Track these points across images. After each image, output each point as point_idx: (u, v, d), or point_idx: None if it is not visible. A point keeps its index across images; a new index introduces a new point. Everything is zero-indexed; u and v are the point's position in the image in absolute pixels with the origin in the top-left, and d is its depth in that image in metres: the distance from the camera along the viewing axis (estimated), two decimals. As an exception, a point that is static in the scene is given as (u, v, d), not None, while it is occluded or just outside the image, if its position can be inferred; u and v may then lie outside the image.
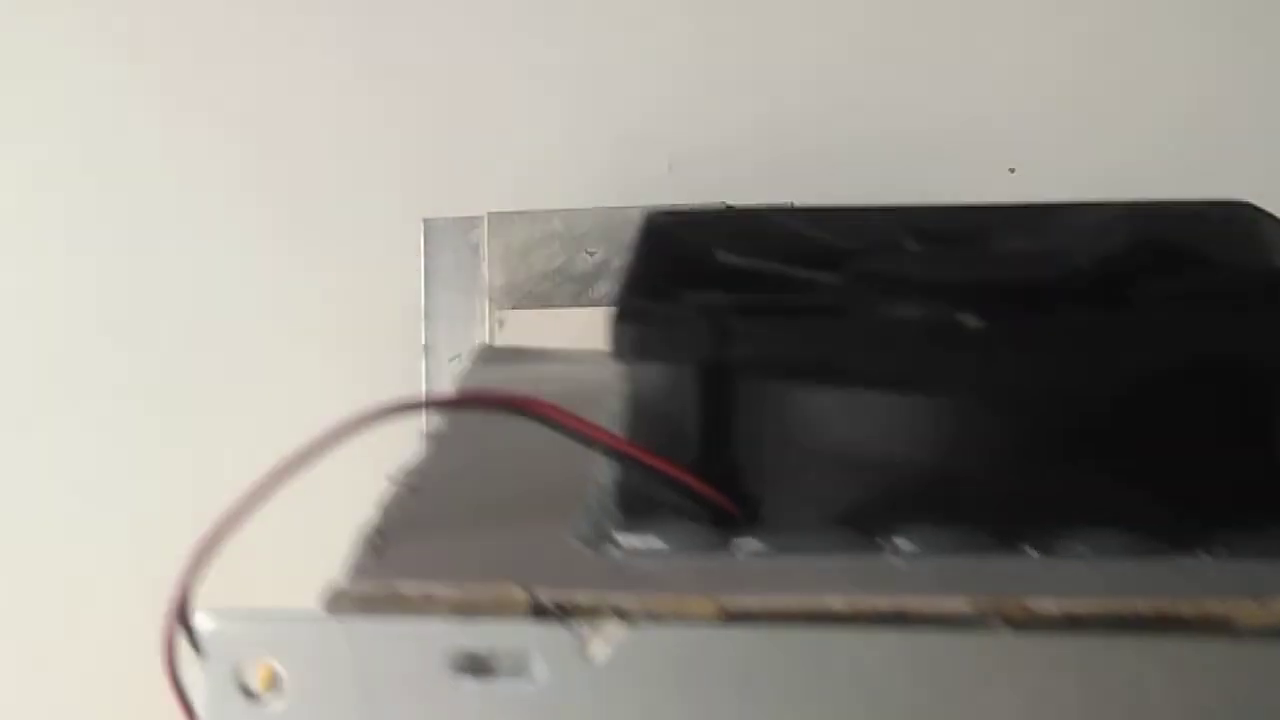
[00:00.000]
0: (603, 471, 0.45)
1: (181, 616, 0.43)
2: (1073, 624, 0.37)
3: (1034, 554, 0.41)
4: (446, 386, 0.65)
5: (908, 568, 0.40)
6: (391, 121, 0.79)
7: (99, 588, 0.75)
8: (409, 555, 0.43)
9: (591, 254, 0.65)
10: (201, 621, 0.41)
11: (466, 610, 0.39)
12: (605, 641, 0.37)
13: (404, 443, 0.72)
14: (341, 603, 0.40)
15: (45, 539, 0.76)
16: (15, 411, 0.77)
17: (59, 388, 0.77)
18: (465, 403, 0.53)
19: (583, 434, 0.43)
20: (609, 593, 0.38)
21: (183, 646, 0.54)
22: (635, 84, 0.80)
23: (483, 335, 0.64)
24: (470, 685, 0.38)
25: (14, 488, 0.77)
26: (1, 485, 0.77)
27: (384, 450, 0.75)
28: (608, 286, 0.65)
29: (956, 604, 0.37)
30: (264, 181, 0.79)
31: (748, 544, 0.42)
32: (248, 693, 0.40)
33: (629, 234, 0.64)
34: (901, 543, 0.41)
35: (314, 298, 0.78)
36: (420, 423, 0.64)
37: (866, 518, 0.42)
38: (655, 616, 0.38)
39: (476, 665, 0.38)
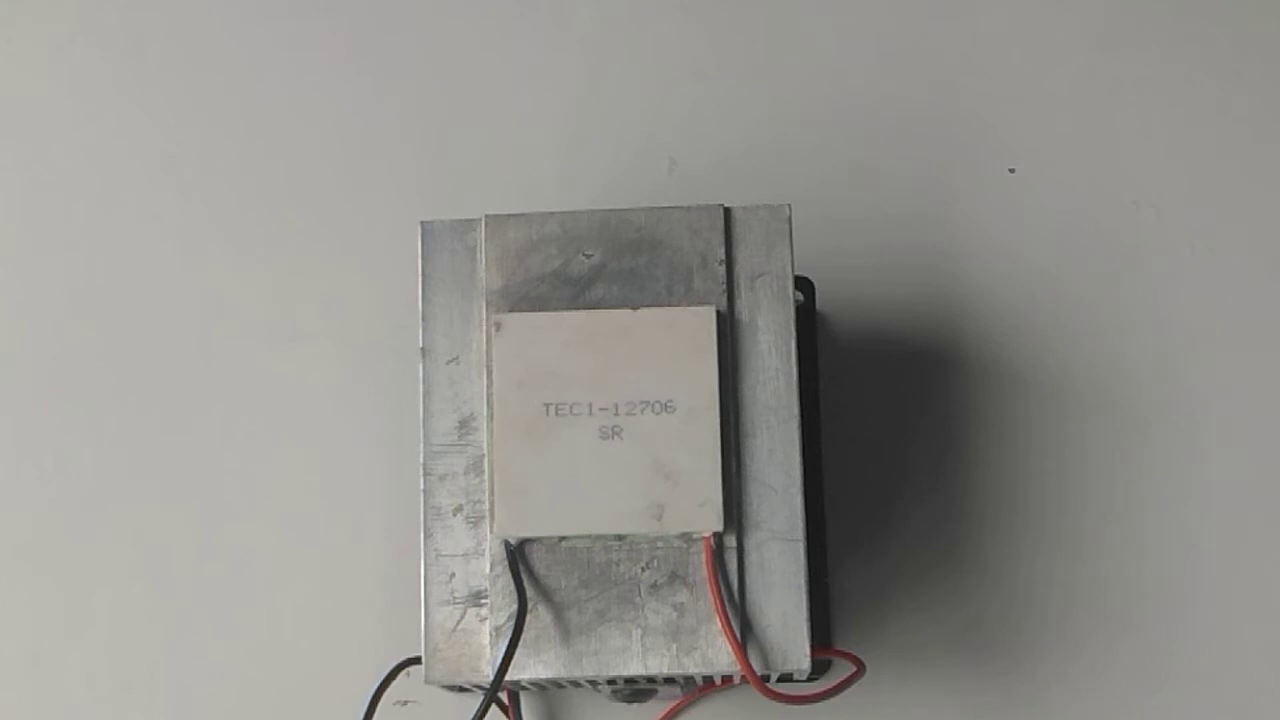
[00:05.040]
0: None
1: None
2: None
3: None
4: (443, 389, 0.64)
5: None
6: (389, 124, 0.80)
7: (99, 589, 0.75)
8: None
9: (589, 256, 0.65)
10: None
11: None
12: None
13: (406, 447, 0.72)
14: None
15: (45, 541, 0.76)
16: (14, 414, 0.77)
17: (58, 390, 0.77)
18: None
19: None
20: None
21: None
22: (635, 85, 0.80)
23: (480, 338, 0.64)
24: None
25: (13, 490, 0.77)
26: (3, 488, 0.77)
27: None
28: (605, 289, 0.64)
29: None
30: (262, 184, 0.79)
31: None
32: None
33: (627, 236, 0.65)
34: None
35: (312, 300, 0.78)
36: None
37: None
38: None
39: None
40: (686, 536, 0.63)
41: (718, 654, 0.62)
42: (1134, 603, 0.74)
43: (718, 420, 0.63)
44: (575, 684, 0.65)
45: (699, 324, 0.63)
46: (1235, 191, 0.78)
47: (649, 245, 0.65)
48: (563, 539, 0.63)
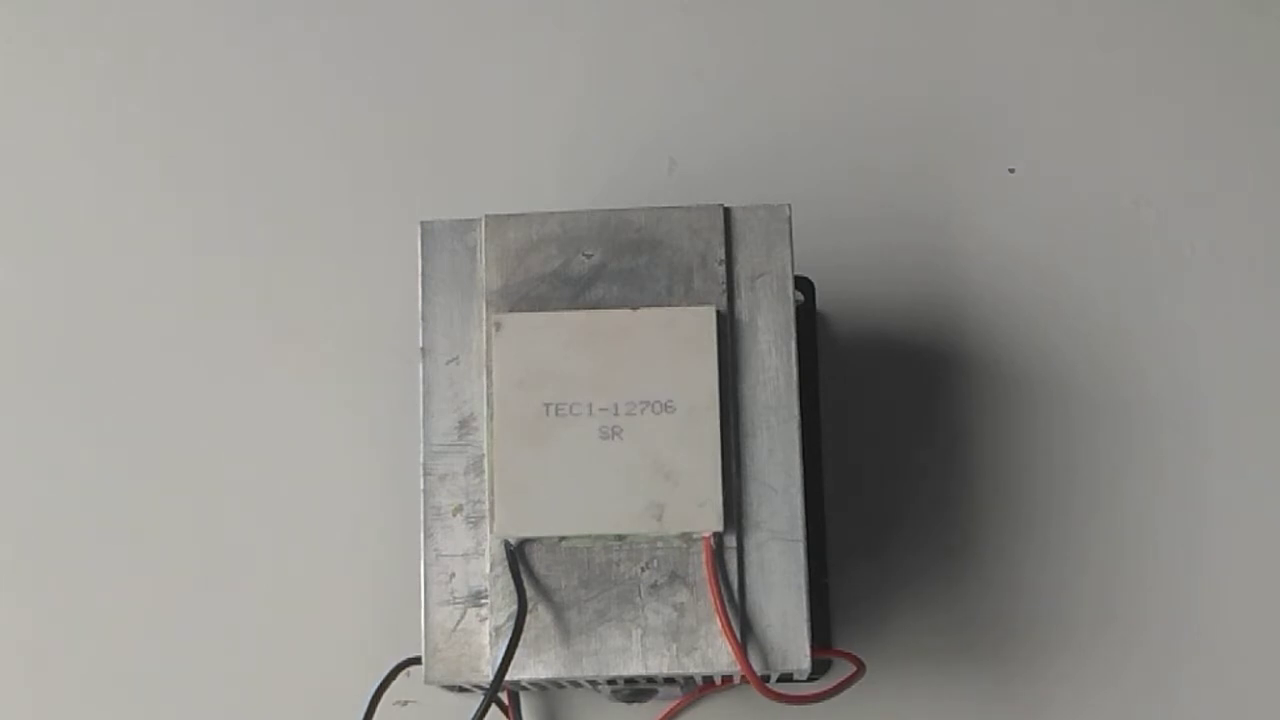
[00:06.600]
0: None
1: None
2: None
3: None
4: (443, 389, 0.64)
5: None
6: (389, 124, 0.80)
7: (99, 589, 0.75)
8: None
9: (589, 256, 0.65)
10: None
11: None
12: None
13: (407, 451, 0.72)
14: None
15: (46, 541, 0.76)
16: (16, 413, 0.77)
17: (58, 389, 0.77)
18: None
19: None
20: None
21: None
22: (635, 85, 0.80)
23: (479, 338, 0.64)
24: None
25: (14, 489, 0.77)
26: (2, 487, 0.77)
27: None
28: (605, 289, 0.64)
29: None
30: (262, 184, 0.79)
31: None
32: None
33: (627, 236, 0.65)
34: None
35: (312, 300, 0.78)
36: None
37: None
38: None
39: None
40: (686, 536, 0.63)
41: (718, 654, 0.62)
42: (1137, 603, 0.74)
43: (718, 420, 0.63)
44: (575, 684, 0.65)
45: (699, 324, 0.63)
46: (1235, 191, 0.78)
47: (649, 245, 0.65)
48: (563, 539, 0.63)
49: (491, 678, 0.61)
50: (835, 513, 0.74)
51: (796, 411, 0.64)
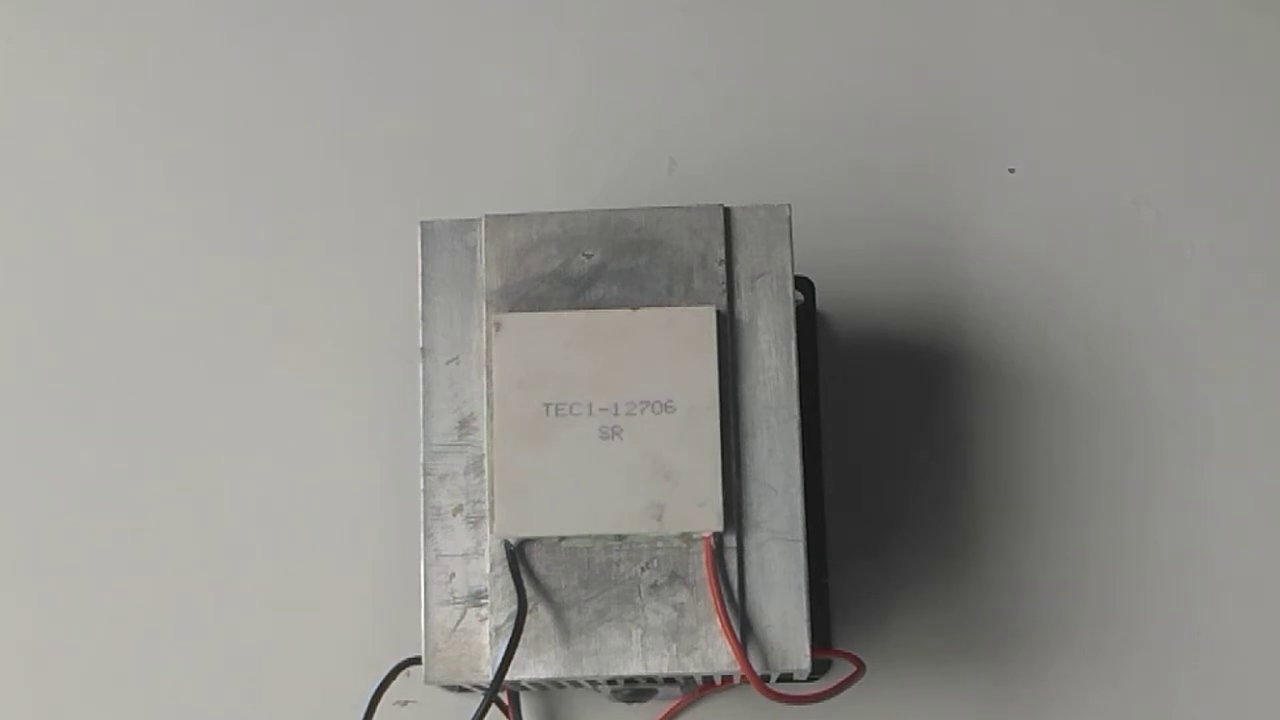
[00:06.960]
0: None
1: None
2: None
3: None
4: (443, 389, 0.64)
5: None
6: (389, 124, 0.80)
7: (99, 589, 0.75)
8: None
9: (589, 256, 0.65)
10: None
11: None
12: None
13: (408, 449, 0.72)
14: None
15: (46, 541, 0.76)
16: (14, 414, 0.77)
17: (58, 390, 0.77)
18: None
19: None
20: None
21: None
22: (635, 85, 0.80)
23: (479, 338, 0.64)
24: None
25: (14, 489, 0.77)
26: (3, 487, 0.77)
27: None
28: (605, 289, 0.64)
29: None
30: (262, 184, 0.79)
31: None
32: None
33: (627, 236, 0.65)
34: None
35: (312, 300, 0.78)
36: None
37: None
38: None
39: None
40: (686, 536, 0.63)
41: (718, 654, 0.62)
42: (1137, 603, 0.74)
43: (718, 420, 0.63)
44: (575, 684, 0.65)
45: (699, 324, 0.63)
46: (1235, 191, 0.78)
47: (649, 245, 0.65)
48: (563, 539, 0.63)
49: (491, 678, 0.61)
50: (835, 513, 0.74)
51: (796, 411, 0.64)
